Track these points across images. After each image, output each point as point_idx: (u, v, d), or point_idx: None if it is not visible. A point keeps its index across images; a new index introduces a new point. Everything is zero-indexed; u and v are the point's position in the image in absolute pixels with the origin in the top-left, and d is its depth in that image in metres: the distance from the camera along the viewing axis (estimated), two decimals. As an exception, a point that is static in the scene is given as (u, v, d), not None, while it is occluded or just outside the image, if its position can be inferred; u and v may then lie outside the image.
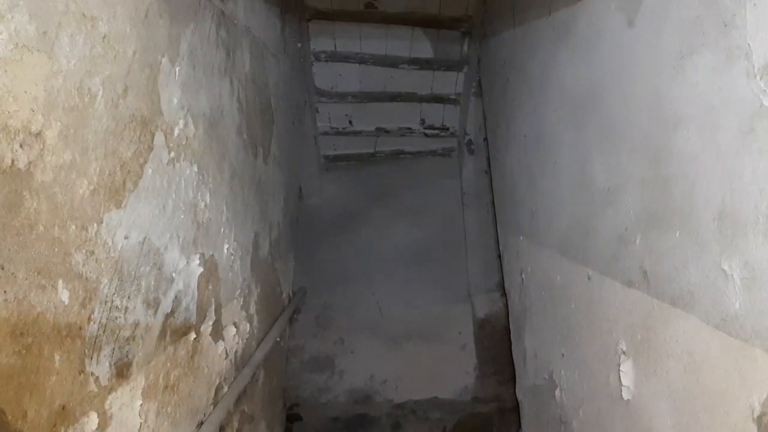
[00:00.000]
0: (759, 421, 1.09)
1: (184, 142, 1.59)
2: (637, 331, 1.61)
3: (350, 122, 4.96)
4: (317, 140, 4.96)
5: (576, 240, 2.09)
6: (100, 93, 1.17)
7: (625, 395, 1.70)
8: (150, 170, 1.40)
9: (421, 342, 4.90)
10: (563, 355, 2.30)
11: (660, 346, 1.48)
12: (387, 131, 5.08)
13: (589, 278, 1.97)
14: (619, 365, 1.72)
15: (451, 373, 4.86)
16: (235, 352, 2.14)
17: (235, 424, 2.20)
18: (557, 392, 2.40)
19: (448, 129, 5.15)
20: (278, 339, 2.77)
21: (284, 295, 3.26)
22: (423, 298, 5.01)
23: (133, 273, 1.34)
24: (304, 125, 4.30)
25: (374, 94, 4.71)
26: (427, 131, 5.14)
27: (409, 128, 5.10)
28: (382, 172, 5.37)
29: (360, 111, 4.86)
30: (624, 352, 1.71)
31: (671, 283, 1.39)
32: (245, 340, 2.28)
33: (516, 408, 3.28)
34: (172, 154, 1.51)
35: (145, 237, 1.39)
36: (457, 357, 4.92)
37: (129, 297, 1.32)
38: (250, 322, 2.37)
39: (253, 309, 2.42)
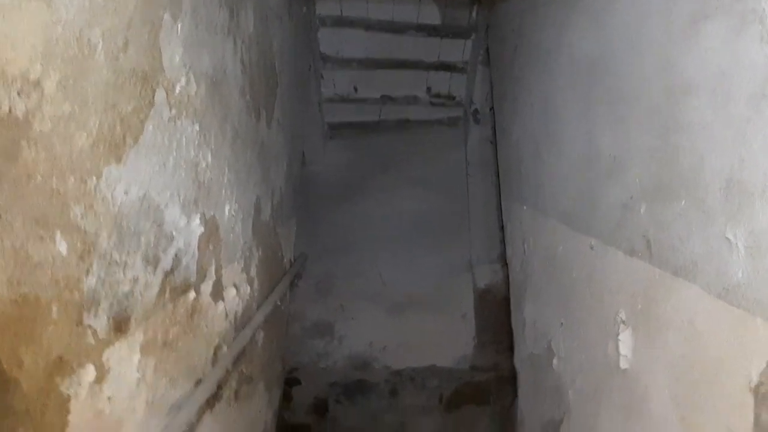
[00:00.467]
0: (756, 390, 1.09)
1: (185, 100, 1.57)
2: (638, 300, 1.61)
3: (355, 89, 4.90)
4: (321, 107, 4.91)
5: (580, 209, 2.08)
6: (100, 45, 1.15)
7: (623, 364, 1.70)
8: (151, 126, 1.38)
9: (422, 310, 4.92)
10: (562, 324, 2.31)
11: (660, 315, 1.47)
12: (392, 99, 5.02)
13: (591, 247, 1.96)
14: (618, 334, 1.72)
15: (450, 342, 4.89)
16: (235, 313, 2.14)
17: (233, 384, 2.22)
18: (555, 361, 2.41)
19: (454, 98, 5.09)
20: (278, 302, 2.78)
21: (285, 260, 3.26)
22: (425, 267, 5.02)
23: (132, 229, 1.33)
24: (308, 91, 4.26)
25: (380, 61, 4.65)
26: (433, 100, 5.08)
27: (415, 96, 5.04)
28: (387, 140, 5.32)
29: (365, 78, 4.80)
30: (623, 322, 1.70)
31: (675, 253, 1.38)
32: (245, 302, 2.29)
33: (513, 377, 3.30)
34: (173, 112, 1.49)
35: (145, 193, 1.38)
36: (456, 326, 4.95)
37: (128, 252, 1.31)
38: (251, 284, 2.37)
39: (253, 272, 2.42)
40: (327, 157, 5.19)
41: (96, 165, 1.16)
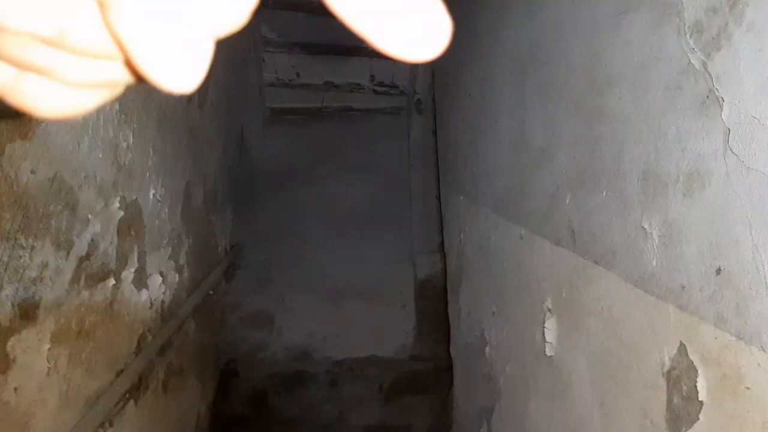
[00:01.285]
0: (668, 375, 1.11)
1: (103, 77, 1.49)
2: (563, 289, 1.63)
3: (297, 74, 4.83)
4: (263, 91, 4.81)
5: (511, 199, 2.10)
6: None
7: (549, 351, 1.73)
8: (62, 103, 1.30)
9: (362, 300, 4.90)
10: (494, 313, 2.33)
11: (582, 303, 1.50)
12: (336, 86, 4.97)
13: (521, 237, 1.98)
14: (544, 322, 1.74)
15: (390, 332, 4.90)
16: (162, 302, 2.07)
17: (161, 375, 2.15)
18: (487, 349, 2.44)
19: (397, 87, 5.08)
20: (211, 292, 2.71)
21: (220, 248, 3.19)
22: (366, 257, 5.00)
23: (41, 210, 1.26)
24: (248, 74, 4.16)
25: (323, 46, 4.59)
26: (377, 88, 5.06)
27: (359, 84, 5.00)
28: (329, 128, 5.27)
29: (308, 63, 4.73)
30: (549, 310, 1.73)
31: (596, 242, 1.40)
32: (173, 291, 2.21)
33: (451, 366, 3.33)
34: (89, 89, 1.42)
35: (56, 173, 1.30)
36: (397, 316, 4.96)
37: (36, 236, 1.24)
38: (180, 272, 2.30)
39: (183, 260, 2.34)
40: (268, 142, 5.10)
41: (-4, 141, 1.09)
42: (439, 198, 3.71)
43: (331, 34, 4.48)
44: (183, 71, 0.23)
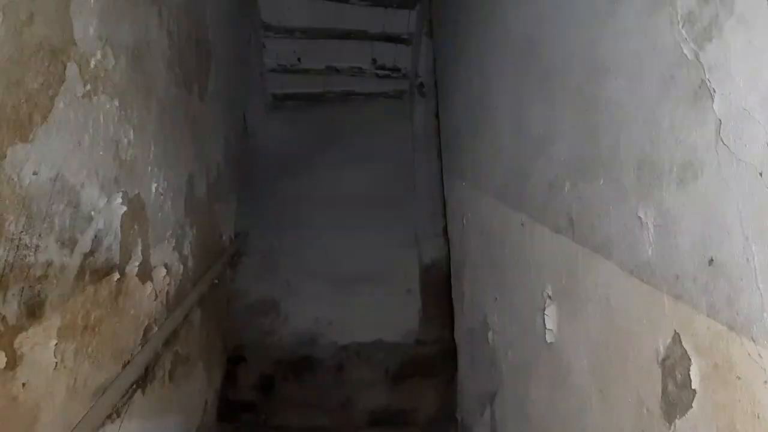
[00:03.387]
0: (663, 363, 1.13)
1: (102, 75, 1.50)
2: (562, 276, 1.64)
3: (299, 59, 4.81)
4: (264, 77, 4.80)
5: (512, 186, 2.10)
6: (0, 19, 1.08)
7: (549, 338, 1.74)
8: (62, 103, 1.31)
9: (368, 285, 4.93)
10: (496, 299, 2.35)
11: (581, 291, 1.51)
12: (337, 70, 4.95)
13: (522, 224, 1.99)
14: (544, 309, 1.76)
15: (396, 317, 4.92)
16: (167, 293, 2.10)
17: (168, 365, 2.19)
18: (490, 335, 2.46)
19: (400, 70, 5.05)
20: (216, 281, 2.74)
21: (224, 238, 3.21)
22: (370, 242, 5.02)
23: (44, 210, 1.27)
24: (248, 61, 4.15)
25: (324, 31, 4.56)
26: (379, 72, 5.03)
27: (360, 68, 4.98)
28: (332, 112, 5.26)
29: (309, 48, 4.71)
30: (550, 297, 1.74)
31: (593, 230, 1.41)
32: (178, 282, 2.24)
33: (456, 350, 3.36)
34: (88, 87, 1.43)
35: (58, 173, 1.32)
36: (402, 300, 4.98)
37: (40, 235, 1.26)
38: (184, 263, 2.32)
39: (187, 250, 2.37)
40: (270, 128, 5.10)
41: (-2, 145, 1.10)
42: (442, 182, 3.71)
43: (331, 18, 4.46)
44: None
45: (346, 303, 4.86)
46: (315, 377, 4.68)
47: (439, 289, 4.87)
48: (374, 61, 4.98)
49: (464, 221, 2.95)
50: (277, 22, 4.42)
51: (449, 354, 4.50)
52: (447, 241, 4.42)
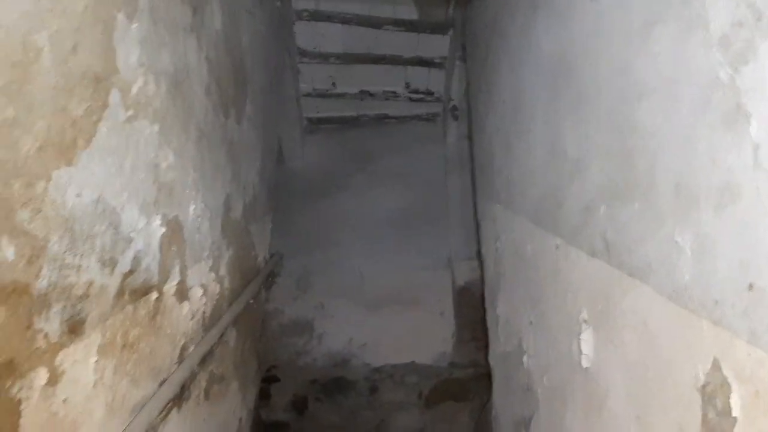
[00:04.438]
0: (703, 390, 1.10)
1: (143, 101, 1.55)
2: (598, 300, 1.62)
3: (333, 84, 4.89)
4: (299, 102, 4.89)
5: (547, 209, 2.09)
6: (47, 48, 1.13)
7: (585, 363, 1.71)
8: (105, 128, 1.36)
9: (401, 307, 4.93)
10: (531, 322, 2.32)
11: (618, 315, 1.48)
12: (371, 94, 5.01)
13: (557, 247, 1.97)
14: (580, 334, 1.73)
15: (429, 339, 4.90)
16: (203, 312, 2.13)
17: (203, 384, 2.21)
18: (525, 359, 2.43)
19: (433, 93, 5.09)
20: (251, 301, 2.77)
21: (260, 259, 3.25)
22: (404, 264, 5.02)
23: (86, 232, 1.32)
24: (284, 86, 4.23)
25: (358, 56, 4.63)
26: (412, 95, 5.08)
27: (394, 92, 5.04)
28: (366, 136, 5.32)
29: (343, 73, 4.79)
30: (585, 321, 1.72)
31: (630, 254, 1.39)
32: (214, 301, 2.27)
33: (491, 374, 3.32)
34: (130, 113, 1.48)
35: (100, 196, 1.36)
36: (436, 323, 4.96)
37: (82, 255, 1.30)
38: (221, 283, 2.36)
39: (223, 271, 2.41)
40: (305, 152, 5.18)
41: (44, 168, 1.15)
42: (475, 205, 3.71)
43: (365, 43, 4.53)
44: None
45: (380, 325, 4.86)
46: (348, 399, 4.68)
47: (473, 312, 4.83)
48: (408, 85, 5.03)
49: (497, 243, 2.93)
50: (312, 47, 4.51)
51: (483, 378, 4.45)
52: (481, 263, 4.40)
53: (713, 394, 1.06)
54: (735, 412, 0.99)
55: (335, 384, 4.73)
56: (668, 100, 1.18)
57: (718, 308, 1.03)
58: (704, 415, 1.10)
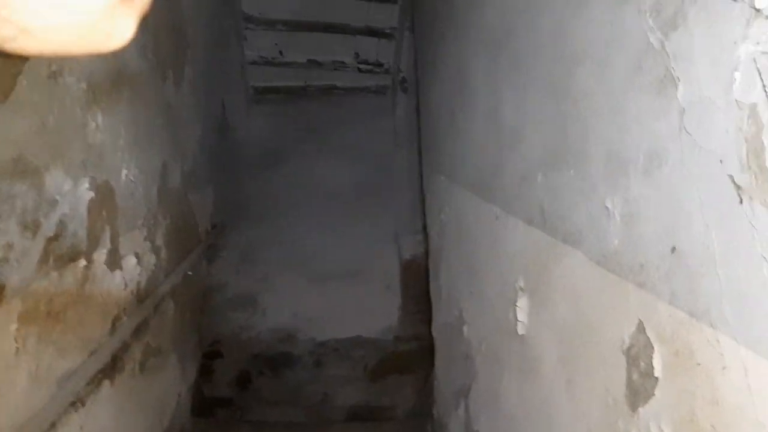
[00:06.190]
0: (627, 352, 1.13)
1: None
2: (534, 268, 1.64)
3: (280, 52, 4.77)
4: (245, 70, 4.76)
5: (487, 179, 2.10)
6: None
7: (520, 330, 1.74)
8: (25, 82, 1.29)
9: (347, 281, 4.90)
10: (471, 292, 2.35)
11: (551, 282, 1.51)
12: (319, 64, 4.92)
13: (496, 217, 1.99)
14: (516, 301, 1.76)
15: (375, 313, 4.90)
16: (137, 282, 2.07)
17: (138, 356, 2.16)
18: (465, 328, 2.46)
19: (382, 65, 5.03)
20: (190, 273, 2.70)
21: (200, 229, 3.18)
22: (350, 237, 4.99)
23: (5, 191, 1.25)
24: (229, 53, 4.11)
25: (306, 23, 4.53)
26: (361, 66, 5.01)
27: (343, 62, 4.95)
28: (314, 107, 5.23)
29: (291, 41, 4.67)
30: (521, 289, 1.74)
31: (564, 221, 1.41)
32: (150, 272, 2.21)
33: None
34: (54, 68, 1.40)
35: (20, 154, 1.29)
36: (382, 297, 4.96)
37: (0, 216, 1.23)
38: (157, 253, 2.29)
39: (160, 240, 2.34)
40: (251, 122, 5.06)
41: (-47, 121, 1.07)
42: (421, 177, 3.71)
43: (314, 10, 4.43)
44: None
45: (325, 298, 4.83)
46: (292, 373, 4.65)
47: (419, 285, 4.85)
48: (357, 55, 4.95)
49: (441, 216, 2.94)
50: (258, 13, 4.38)
51: (428, 350, 4.50)
52: (426, 236, 4.42)
53: (637, 355, 1.09)
54: (657, 373, 1.02)
55: (280, 359, 4.69)
56: (601, 65, 1.19)
57: (643, 272, 1.05)
58: (629, 377, 1.13)
